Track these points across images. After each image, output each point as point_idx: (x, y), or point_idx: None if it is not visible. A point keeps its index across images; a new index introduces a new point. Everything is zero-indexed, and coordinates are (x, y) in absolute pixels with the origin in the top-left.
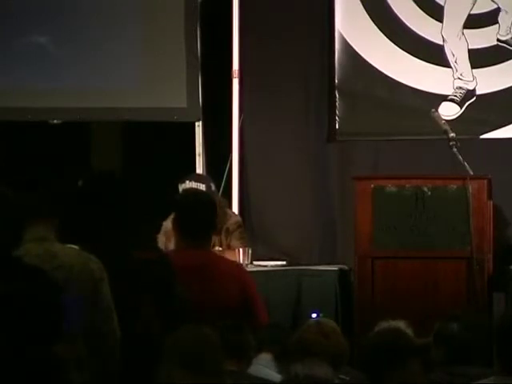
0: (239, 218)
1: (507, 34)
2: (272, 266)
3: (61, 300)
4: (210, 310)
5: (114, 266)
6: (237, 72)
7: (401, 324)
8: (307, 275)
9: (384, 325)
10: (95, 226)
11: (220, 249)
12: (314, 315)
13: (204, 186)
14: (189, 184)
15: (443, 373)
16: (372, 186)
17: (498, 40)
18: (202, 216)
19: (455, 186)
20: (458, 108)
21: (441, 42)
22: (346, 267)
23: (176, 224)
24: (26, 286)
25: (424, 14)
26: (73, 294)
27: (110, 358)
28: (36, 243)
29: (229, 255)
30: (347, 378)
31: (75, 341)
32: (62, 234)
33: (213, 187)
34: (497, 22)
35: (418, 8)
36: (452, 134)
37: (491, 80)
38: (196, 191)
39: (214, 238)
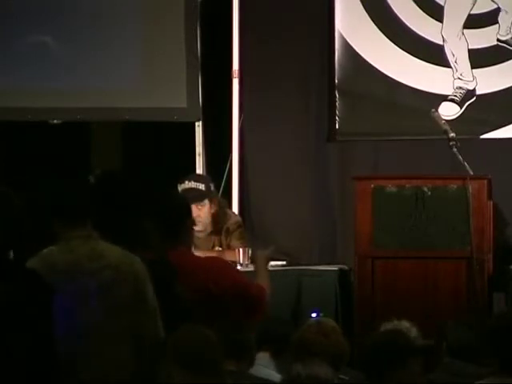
0: (239, 218)
1: (507, 33)
2: (272, 266)
3: (54, 301)
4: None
5: None
6: (237, 72)
7: (406, 324)
8: (307, 275)
9: (389, 325)
10: (98, 226)
11: (220, 249)
12: (313, 315)
13: (203, 185)
14: (188, 184)
15: (444, 373)
16: (372, 186)
17: (498, 40)
18: (169, 216)
19: (455, 186)
20: (458, 108)
21: (441, 42)
22: (346, 267)
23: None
24: (18, 288)
25: (424, 14)
26: (118, 294)
27: (153, 359)
28: (81, 240)
29: (229, 255)
30: (347, 378)
31: (89, 341)
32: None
33: (212, 187)
34: (497, 22)
35: (418, 8)
36: (452, 134)
37: (491, 80)
38: (171, 193)
39: (214, 238)
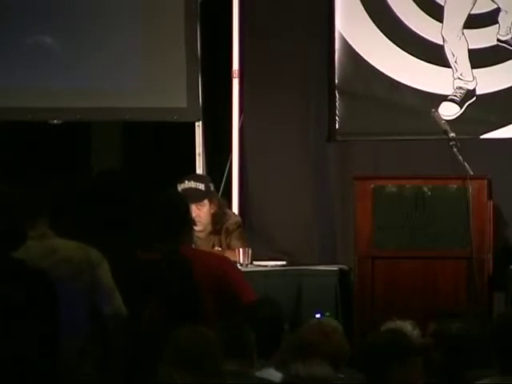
0: (239, 218)
1: (507, 34)
2: (272, 265)
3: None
4: None
5: (123, 267)
6: (237, 72)
7: (408, 324)
8: (307, 275)
9: (391, 325)
10: (101, 227)
11: (220, 249)
12: (317, 315)
13: (203, 185)
14: (188, 184)
15: (444, 372)
16: (372, 186)
17: (498, 40)
18: (173, 214)
19: (455, 186)
20: (458, 108)
21: (441, 42)
22: (345, 267)
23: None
24: (25, 288)
25: (424, 14)
26: (75, 286)
27: (118, 336)
28: (36, 240)
29: (229, 255)
30: (347, 378)
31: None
32: (66, 233)
33: (212, 187)
34: (497, 22)
35: (418, 8)
36: (452, 134)
37: (491, 80)
38: (170, 192)
39: (214, 238)
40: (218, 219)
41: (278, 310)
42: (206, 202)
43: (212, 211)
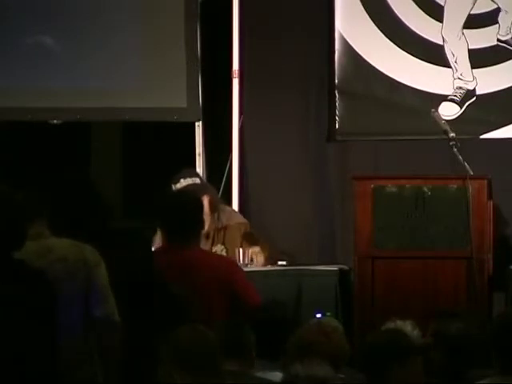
0: (245, 220)
1: (507, 34)
2: (272, 265)
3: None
4: (196, 308)
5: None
6: (237, 72)
7: (408, 324)
8: (307, 275)
9: (391, 325)
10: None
11: (223, 247)
12: (318, 315)
13: (198, 179)
14: (184, 182)
15: (444, 372)
16: (372, 186)
17: (498, 40)
18: (184, 216)
19: (455, 186)
20: (458, 108)
21: (441, 42)
22: (346, 267)
23: (160, 224)
24: (25, 288)
25: (424, 14)
26: (71, 286)
27: (110, 342)
28: (32, 241)
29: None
30: (347, 378)
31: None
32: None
33: (204, 180)
34: (497, 22)
35: (418, 8)
36: (452, 134)
37: (491, 80)
38: (179, 192)
39: (214, 234)
40: (215, 210)
41: (283, 312)
42: (205, 196)
43: (209, 204)
